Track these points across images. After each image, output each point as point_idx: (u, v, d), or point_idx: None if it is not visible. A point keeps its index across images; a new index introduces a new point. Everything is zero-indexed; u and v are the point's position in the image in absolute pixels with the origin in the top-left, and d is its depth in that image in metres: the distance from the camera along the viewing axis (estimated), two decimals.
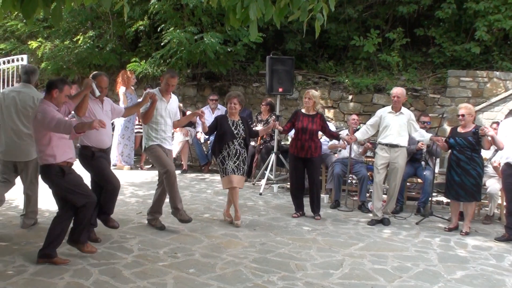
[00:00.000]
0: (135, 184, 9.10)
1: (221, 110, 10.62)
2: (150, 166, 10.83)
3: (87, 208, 5.07)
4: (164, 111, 6.37)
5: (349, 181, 8.53)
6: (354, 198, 8.59)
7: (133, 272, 4.86)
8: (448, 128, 9.77)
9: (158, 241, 5.90)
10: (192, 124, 10.73)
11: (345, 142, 7.86)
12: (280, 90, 9.39)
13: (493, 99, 9.47)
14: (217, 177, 9.12)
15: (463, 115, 7.05)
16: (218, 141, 6.88)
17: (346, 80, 10.92)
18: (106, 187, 5.68)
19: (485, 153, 7.82)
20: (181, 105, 7.07)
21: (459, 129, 7.15)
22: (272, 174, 9.60)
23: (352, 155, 8.27)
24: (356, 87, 10.75)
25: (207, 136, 9.97)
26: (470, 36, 10.91)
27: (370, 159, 8.97)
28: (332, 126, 9.15)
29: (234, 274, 4.98)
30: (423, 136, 7.46)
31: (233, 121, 6.94)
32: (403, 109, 7.40)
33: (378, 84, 10.80)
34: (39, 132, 4.91)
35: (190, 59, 11.20)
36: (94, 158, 5.63)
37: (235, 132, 6.84)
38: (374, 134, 7.72)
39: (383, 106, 10.44)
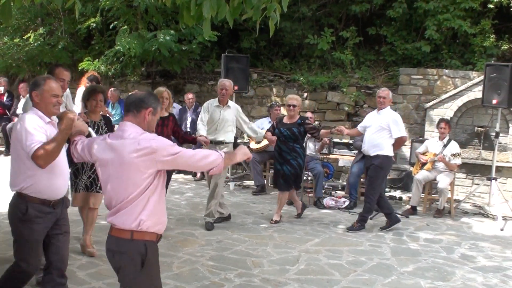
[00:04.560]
0: None
1: (176, 108, 10.56)
2: None
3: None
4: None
5: (304, 177, 8.61)
6: (310, 195, 8.69)
7: (88, 273, 4.79)
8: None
9: None
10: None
11: (202, 142, 6.69)
12: (236, 88, 9.40)
13: (443, 96, 9.74)
14: (172, 176, 9.01)
15: (294, 106, 6.94)
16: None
17: (301, 78, 11.01)
18: (14, 267, 3.72)
19: (434, 149, 8.04)
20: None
21: (285, 120, 7.09)
22: (228, 172, 9.61)
23: (308, 152, 8.36)
24: (310, 85, 10.86)
25: None
26: (421, 35, 11.18)
27: (325, 156, 9.11)
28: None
29: (191, 272, 4.98)
30: (256, 132, 7.02)
31: (94, 123, 5.28)
32: (230, 103, 6.88)
33: (332, 82, 10.94)
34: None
35: (144, 57, 11.07)
36: (27, 217, 3.54)
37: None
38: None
39: (338, 104, 10.67)
